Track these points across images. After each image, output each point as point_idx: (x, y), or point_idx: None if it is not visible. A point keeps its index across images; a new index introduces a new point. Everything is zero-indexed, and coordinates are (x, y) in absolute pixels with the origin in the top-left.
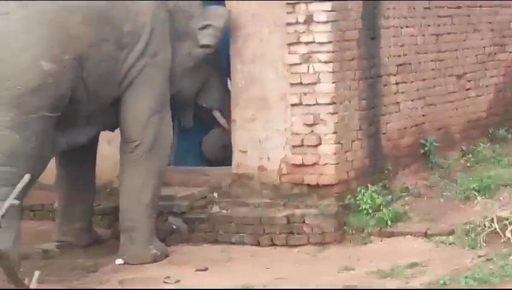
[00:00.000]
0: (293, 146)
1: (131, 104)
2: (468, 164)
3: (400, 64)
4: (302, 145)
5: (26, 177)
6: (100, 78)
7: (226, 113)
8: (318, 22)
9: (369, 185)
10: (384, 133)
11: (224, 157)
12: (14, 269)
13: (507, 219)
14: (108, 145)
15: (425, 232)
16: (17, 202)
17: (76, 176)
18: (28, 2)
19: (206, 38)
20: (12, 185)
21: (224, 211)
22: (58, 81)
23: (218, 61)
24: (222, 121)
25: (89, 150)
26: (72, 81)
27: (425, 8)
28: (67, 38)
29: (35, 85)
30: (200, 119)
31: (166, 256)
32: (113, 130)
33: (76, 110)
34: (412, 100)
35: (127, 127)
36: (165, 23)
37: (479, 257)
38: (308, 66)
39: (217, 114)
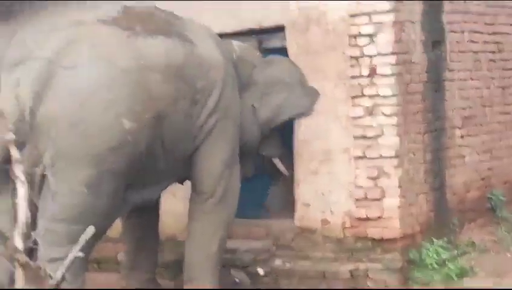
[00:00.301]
0: (357, 199)
1: (205, 159)
2: None
3: (465, 117)
4: (366, 199)
5: (90, 230)
6: (177, 135)
7: (286, 160)
8: (382, 75)
9: (434, 240)
10: (449, 187)
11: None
12: None
13: None
14: (173, 198)
15: (492, 288)
16: (81, 254)
17: (141, 229)
18: (106, 57)
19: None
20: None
21: (287, 265)
22: (137, 139)
23: None
24: (282, 168)
25: (154, 203)
26: (150, 139)
27: (490, 60)
28: (148, 97)
29: (115, 143)
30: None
31: None
32: (182, 183)
33: (152, 167)
34: (478, 153)
35: (200, 180)
36: (233, 76)
37: None
38: (372, 119)
39: (277, 161)
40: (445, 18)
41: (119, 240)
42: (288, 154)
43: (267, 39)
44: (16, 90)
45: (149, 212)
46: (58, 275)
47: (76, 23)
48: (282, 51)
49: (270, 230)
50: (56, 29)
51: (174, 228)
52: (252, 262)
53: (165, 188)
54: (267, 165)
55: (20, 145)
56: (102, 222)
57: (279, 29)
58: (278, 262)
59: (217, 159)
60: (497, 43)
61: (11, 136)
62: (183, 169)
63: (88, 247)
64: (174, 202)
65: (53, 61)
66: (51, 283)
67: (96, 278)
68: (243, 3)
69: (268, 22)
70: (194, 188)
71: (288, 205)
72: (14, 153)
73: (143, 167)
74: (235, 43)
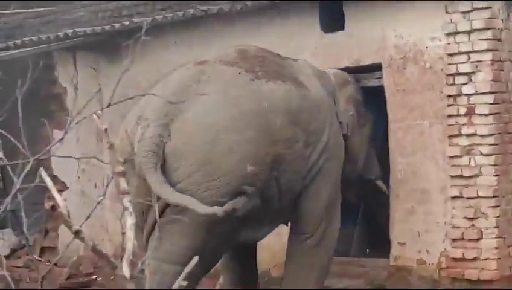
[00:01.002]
0: (453, 239)
1: (311, 199)
2: None
3: None
4: (463, 239)
5: (195, 259)
6: (291, 177)
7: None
8: (480, 114)
9: None
10: None
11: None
12: None
13: None
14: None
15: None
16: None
17: (241, 264)
18: (233, 97)
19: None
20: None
21: None
22: (254, 182)
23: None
24: (384, 188)
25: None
26: (267, 181)
27: None
28: (270, 141)
29: (236, 187)
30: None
31: None
32: (287, 224)
33: (267, 208)
34: None
35: (303, 220)
36: (336, 114)
37: None
38: (470, 159)
39: (380, 183)
40: None
41: (216, 274)
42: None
43: (365, 78)
44: (145, 119)
45: (248, 252)
46: None
47: (200, 62)
48: (379, 89)
49: (365, 269)
50: (181, 67)
51: (269, 264)
52: None
53: (274, 228)
54: (367, 189)
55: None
56: (211, 260)
57: (377, 67)
58: None
59: (320, 201)
60: None
61: (119, 168)
62: (290, 210)
63: (193, 282)
64: (268, 238)
65: (179, 97)
66: None
67: None
68: (340, 41)
69: (366, 60)
70: (294, 226)
71: (377, 244)
72: (122, 184)
73: (258, 208)
74: (331, 74)
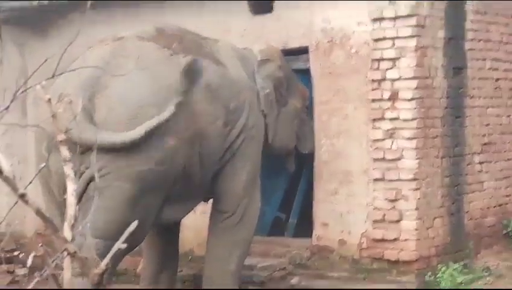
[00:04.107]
0: (374, 221)
1: (229, 178)
2: None
3: (484, 144)
4: (384, 221)
5: (134, 224)
6: (212, 154)
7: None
8: (403, 99)
9: (450, 263)
10: (466, 212)
11: None
12: None
13: None
14: (192, 213)
15: (493, 289)
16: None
17: (163, 244)
18: (152, 72)
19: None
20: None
21: (303, 283)
22: (176, 156)
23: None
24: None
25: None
26: (189, 156)
27: (510, 88)
28: (189, 115)
29: (158, 161)
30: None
31: None
32: (207, 201)
33: (190, 184)
34: (496, 180)
35: (222, 199)
36: (257, 96)
37: None
38: (392, 142)
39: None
40: (467, 45)
41: (138, 253)
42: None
43: (291, 60)
44: (66, 95)
45: (171, 228)
46: (102, 265)
47: (118, 38)
48: (306, 72)
49: (288, 248)
50: (100, 43)
51: (193, 243)
52: (268, 279)
53: (196, 205)
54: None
55: (73, 146)
56: (135, 237)
57: (304, 50)
58: (294, 280)
59: (240, 179)
60: None
61: (62, 136)
62: (210, 188)
63: (117, 259)
64: (193, 217)
65: (100, 72)
66: (96, 272)
67: None
68: (268, 24)
69: (293, 43)
70: (215, 206)
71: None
72: (64, 152)
73: (181, 184)
74: (258, 51)
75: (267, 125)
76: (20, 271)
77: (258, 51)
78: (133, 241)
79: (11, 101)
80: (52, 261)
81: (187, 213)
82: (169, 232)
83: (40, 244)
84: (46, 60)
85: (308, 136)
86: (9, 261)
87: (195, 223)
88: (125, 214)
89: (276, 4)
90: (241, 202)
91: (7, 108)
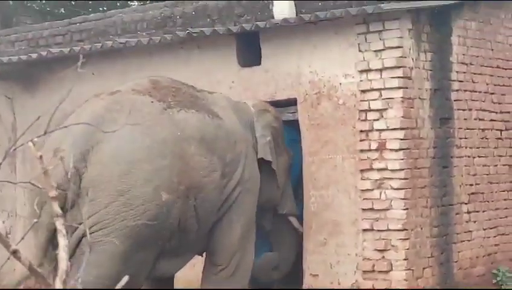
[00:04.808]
0: (364, 271)
1: (224, 231)
2: None
3: (472, 193)
4: (373, 271)
5: (124, 279)
6: (209, 208)
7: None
8: (391, 150)
9: None
10: (455, 262)
11: (274, 279)
12: None
13: None
14: None
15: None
16: None
17: None
18: (145, 126)
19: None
20: None
21: None
22: (171, 210)
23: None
24: (296, 224)
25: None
26: (183, 210)
27: (497, 138)
28: (184, 169)
29: (152, 216)
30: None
31: None
32: (201, 255)
33: (185, 239)
34: (484, 229)
35: (217, 252)
36: (254, 147)
37: None
38: (381, 193)
39: (293, 219)
40: (453, 96)
41: None
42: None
43: (280, 112)
44: (59, 151)
45: (165, 281)
46: None
47: (112, 92)
48: (294, 123)
49: None
50: (95, 97)
51: None
52: None
53: (191, 258)
54: (282, 224)
55: (64, 201)
56: None
57: (292, 102)
58: None
59: (235, 233)
60: (504, 121)
61: (53, 192)
62: (206, 241)
63: None
64: (183, 269)
65: (93, 128)
66: None
67: None
68: (257, 75)
69: (281, 95)
70: (209, 258)
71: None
72: (56, 208)
73: (176, 238)
74: (251, 104)
75: (274, 171)
76: None
77: (252, 105)
78: None
79: (4, 159)
80: None
81: (182, 267)
82: (164, 285)
83: None
84: (38, 118)
85: (289, 197)
86: None
87: (185, 274)
88: (117, 269)
89: (264, 56)
90: (235, 255)
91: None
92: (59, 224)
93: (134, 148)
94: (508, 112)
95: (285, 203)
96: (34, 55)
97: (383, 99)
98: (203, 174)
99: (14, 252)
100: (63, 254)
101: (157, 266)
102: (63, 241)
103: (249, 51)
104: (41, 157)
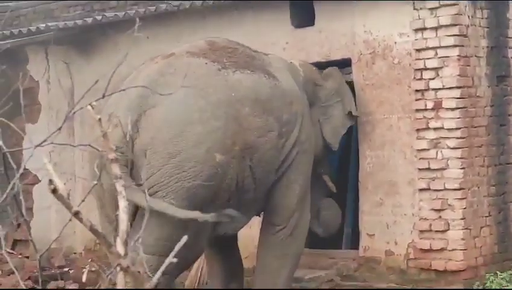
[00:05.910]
0: (421, 231)
1: (283, 192)
2: None
3: None
4: (430, 231)
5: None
6: (266, 167)
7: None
8: (447, 109)
9: (498, 272)
10: None
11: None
12: None
13: None
14: None
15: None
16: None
17: (224, 258)
18: (199, 89)
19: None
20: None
21: None
22: (225, 171)
23: None
24: (330, 184)
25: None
26: (238, 170)
27: None
28: (238, 130)
29: (207, 177)
30: None
31: None
32: (259, 215)
33: (242, 199)
34: None
35: (276, 212)
36: (308, 106)
37: None
38: (437, 152)
39: (326, 178)
40: (510, 53)
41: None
42: (331, 172)
43: None
44: (116, 115)
45: (229, 241)
46: (154, 279)
47: (167, 55)
48: (349, 84)
49: (335, 260)
50: (150, 61)
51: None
52: None
53: (251, 218)
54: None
55: (123, 167)
56: (190, 252)
57: (346, 62)
58: None
59: (293, 193)
60: None
61: (112, 155)
62: (264, 201)
63: (174, 274)
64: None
65: (148, 91)
66: (149, 286)
67: None
68: (310, 36)
69: (336, 55)
70: (267, 218)
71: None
72: (116, 170)
73: (233, 198)
74: (298, 64)
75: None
76: (71, 287)
77: (299, 65)
78: (189, 256)
79: (64, 122)
80: (107, 276)
81: (242, 226)
82: (228, 247)
83: (89, 260)
84: (97, 81)
85: (326, 157)
86: (57, 277)
87: (241, 235)
88: (177, 230)
89: (318, 17)
90: (293, 215)
91: (60, 129)
92: (119, 186)
93: (186, 111)
94: None
95: (323, 163)
96: (89, 20)
97: (438, 57)
98: (257, 134)
99: (76, 214)
100: (123, 215)
101: (218, 227)
102: (122, 203)
103: (302, 12)
104: (100, 120)
